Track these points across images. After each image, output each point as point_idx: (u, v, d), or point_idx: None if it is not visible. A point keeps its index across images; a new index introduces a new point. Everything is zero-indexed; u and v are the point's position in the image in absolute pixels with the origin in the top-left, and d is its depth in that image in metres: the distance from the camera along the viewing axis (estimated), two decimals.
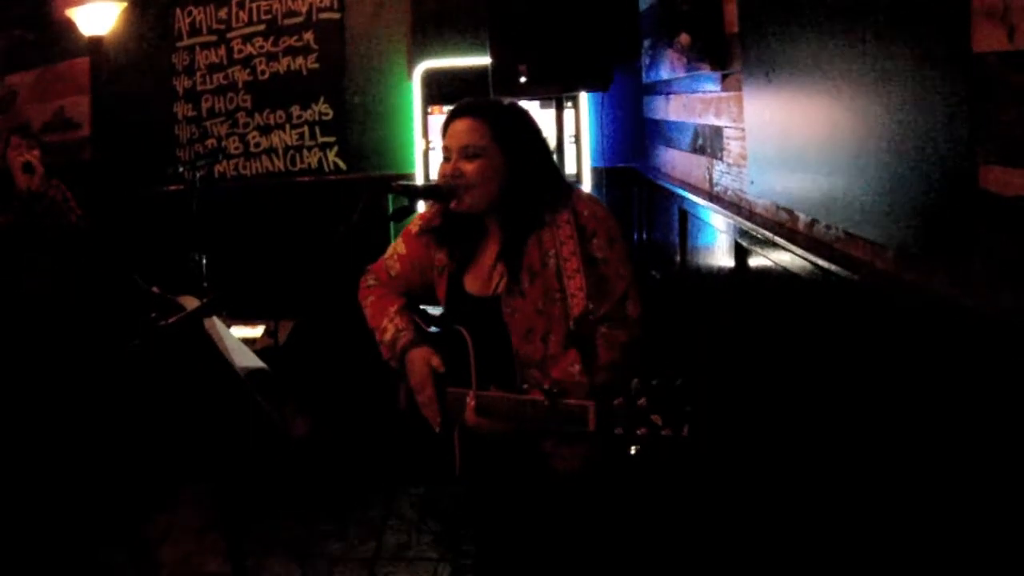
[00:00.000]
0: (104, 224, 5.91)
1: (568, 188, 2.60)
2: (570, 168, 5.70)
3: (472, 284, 2.61)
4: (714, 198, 3.98)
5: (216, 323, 2.71)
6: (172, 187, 6.45)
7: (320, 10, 6.47)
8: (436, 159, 5.44)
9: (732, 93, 3.71)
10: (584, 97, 5.75)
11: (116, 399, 5.08)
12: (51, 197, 5.42)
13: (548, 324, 2.42)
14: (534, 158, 2.55)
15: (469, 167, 2.45)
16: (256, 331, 5.12)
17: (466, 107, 2.52)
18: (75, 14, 6.42)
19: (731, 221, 3.55)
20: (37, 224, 5.37)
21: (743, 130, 3.54)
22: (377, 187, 2.68)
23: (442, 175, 2.50)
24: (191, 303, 2.57)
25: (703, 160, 4.26)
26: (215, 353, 2.57)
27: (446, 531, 4.40)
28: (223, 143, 6.68)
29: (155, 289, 2.72)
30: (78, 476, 4.92)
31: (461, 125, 2.49)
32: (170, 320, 2.34)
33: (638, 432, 2.04)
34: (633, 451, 2.09)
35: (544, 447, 2.47)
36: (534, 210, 2.48)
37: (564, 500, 2.54)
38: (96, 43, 6.66)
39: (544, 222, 2.45)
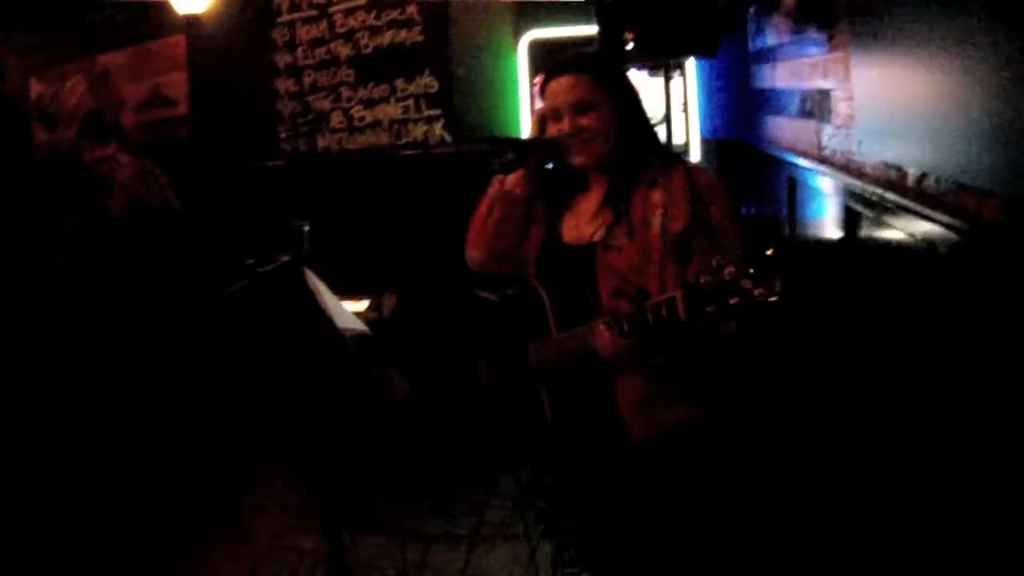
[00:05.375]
0: (202, 199, 6.00)
1: (678, 155, 2.59)
2: (679, 139, 5.64)
3: (570, 233, 2.58)
4: (823, 161, 3.91)
5: (318, 283, 2.76)
6: (274, 162, 6.60)
7: None
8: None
9: (839, 54, 3.63)
10: (692, 67, 5.69)
11: (211, 363, 5.10)
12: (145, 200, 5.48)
13: (642, 282, 2.39)
14: (640, 105, 2.56)
15: (587, 120, 2.45)
16: (361, 305, 5.17)
17: (565, 64, 2.52)
18: None
19: (840, 183, 3.48)
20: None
21: (851, 91, 3.47)
22: (494, 145, 2.62)
23: (556, 134, 2.49)
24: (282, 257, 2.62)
25: (811, 124, 4.18)
26: (315, 307, 2.61)
27: (548, 509, 4.34)
28: (327, 117, 6.77)
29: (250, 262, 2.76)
30: (172, 446, 4.97)
31: (565, 82, 2.48)
32: (269, 267, 2.39)
33: (731, 302, 1.92)
34: (733, 327, 1.98)
35: (621, 408, 2.44)
36: (644, 159, 2.46)
37: (651, 471, 2.49)
38: (192, 20, 6.81)
39: (655, 182, 2.42)
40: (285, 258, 2.77)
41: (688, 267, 2.29)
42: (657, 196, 2.39)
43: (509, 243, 2.68)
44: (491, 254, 2.71)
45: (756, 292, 1.88)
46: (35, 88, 7.79)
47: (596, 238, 2.47)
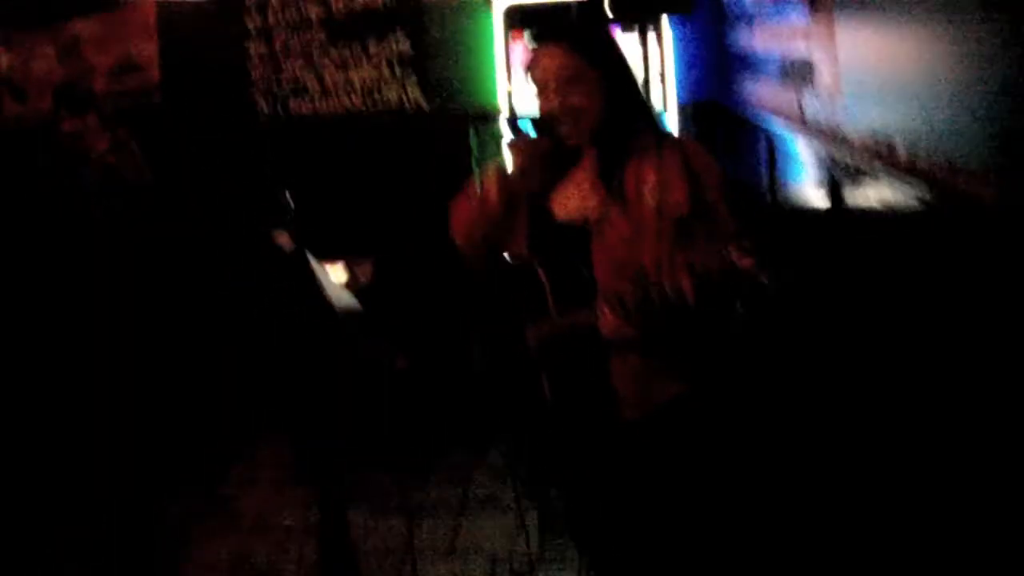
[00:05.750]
0: (177, 167, 5.92)
1: (668, 132, 2.58)
2: (656, 106, 5.62)
3: (562, 210, 2.51)
4: (805, 129, 3.90)
5: (315, 264, 2.75)
6: (248, 126, 6.53)
7: None
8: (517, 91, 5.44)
9: (823, 20, 3.61)
10: (668, 30, 5.64)
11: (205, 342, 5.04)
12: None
13: (636, 256, 2.37)
14: (629, 73, 2.52)
15: (575, 97, 2.39)
16: (339, 270, 5.13)
17: (550, 36, 2.48)
18: None
19: (823, 151, 3.48)
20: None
21: (836, 59, 3.45)
22: (479, 117, 2.59)
23: (545, 109, 2.46)
24: (282, 238, 2.61)
25: (792, 91, 4.16)
26: (317, 291, 2.60)
27: (535, 478, 4.27)
28: (299, 80, 6.69)
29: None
30: (157, 423, 4.90)
31: (552, 58, 2.42)
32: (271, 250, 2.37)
33: (736, 287, 2.01)
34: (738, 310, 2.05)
35: (617, 386, 2.40)
36: (635, 130, 2.43)
37: (643, 446, 2.45)
38: None
39: (647, 155, 2.38)
40: (283, 236, 2.75)
41: (687, 247, 2.27)
42: (650, 170, 2.35)
43: (497, 238, 2.59)
44: (475, 249, 2.59)
45: (761, 277, 1.91)
46: (3, 59, 7.65)
47: (591, 216, 2.42)
